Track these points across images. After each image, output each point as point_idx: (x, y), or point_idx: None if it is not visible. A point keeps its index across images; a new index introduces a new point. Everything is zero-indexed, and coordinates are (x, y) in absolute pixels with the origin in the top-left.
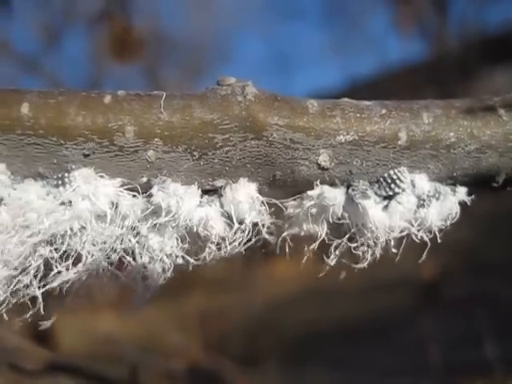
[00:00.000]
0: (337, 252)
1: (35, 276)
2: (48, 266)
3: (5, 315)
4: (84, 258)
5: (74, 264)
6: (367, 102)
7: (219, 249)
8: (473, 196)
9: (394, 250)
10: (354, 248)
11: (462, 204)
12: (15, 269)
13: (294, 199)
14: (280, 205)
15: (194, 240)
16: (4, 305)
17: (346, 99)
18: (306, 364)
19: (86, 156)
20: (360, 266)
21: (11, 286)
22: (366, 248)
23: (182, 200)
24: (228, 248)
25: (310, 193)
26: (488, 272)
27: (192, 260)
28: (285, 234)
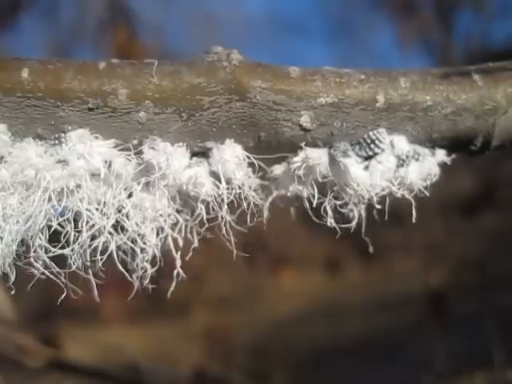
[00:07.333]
0: (329, 211)
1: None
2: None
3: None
4: (82, 217)
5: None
6: (347, 70)
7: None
8: (453, 156)
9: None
10: (340, 206)
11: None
12: (17, 223)
13: (280, 162)
14: (266, 168)
15: (186, 200)
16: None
17: (327, 67)
18: (314, 381)
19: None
20: (348, 225)
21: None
22: (351, 206)
23: (172, 158)
24: (218, 209)
25: (295, 159)
26: (496, 286)
27: (183, 221)
28: (273, 195)
